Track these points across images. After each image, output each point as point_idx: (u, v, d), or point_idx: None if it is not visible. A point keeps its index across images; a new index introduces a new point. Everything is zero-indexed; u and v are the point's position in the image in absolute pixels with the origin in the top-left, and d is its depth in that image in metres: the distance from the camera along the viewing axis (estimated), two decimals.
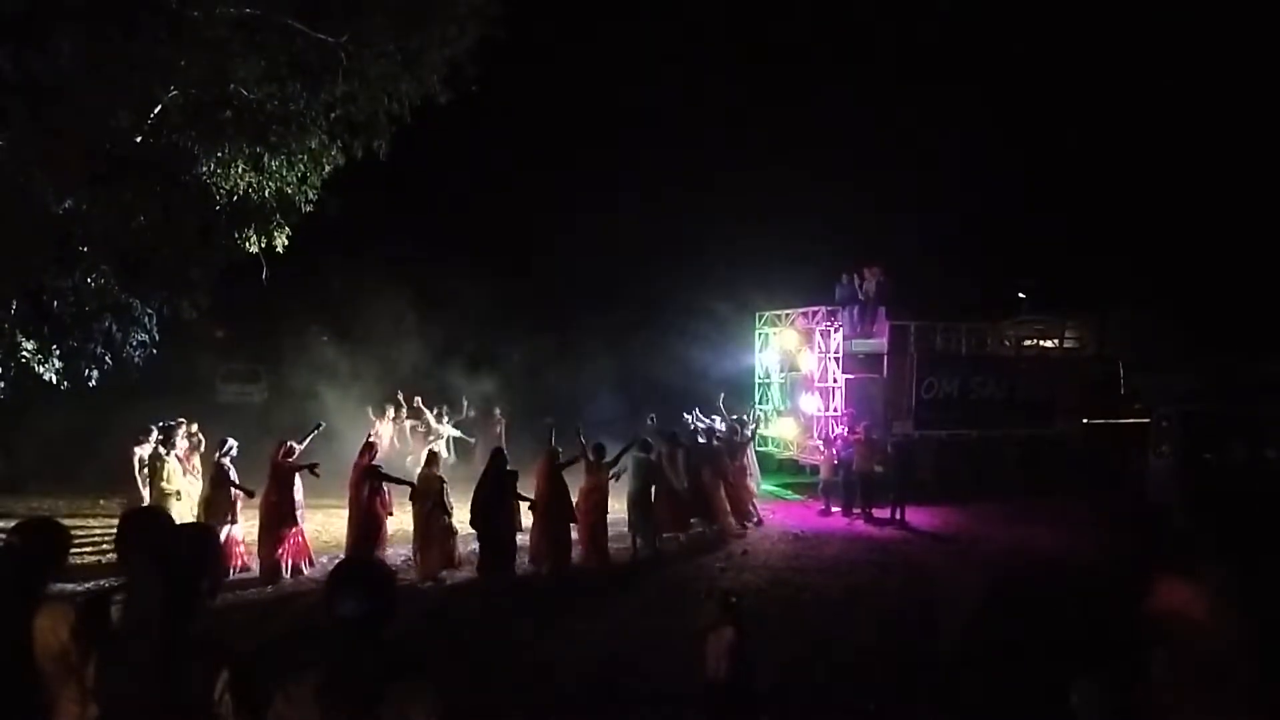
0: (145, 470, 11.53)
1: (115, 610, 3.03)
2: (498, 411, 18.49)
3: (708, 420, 15.55)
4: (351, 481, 11.28)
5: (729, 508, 14.22)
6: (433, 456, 11.87)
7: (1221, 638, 2.86)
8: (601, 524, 12.06)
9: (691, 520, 13.81)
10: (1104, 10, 33.06)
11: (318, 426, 12.00)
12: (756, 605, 8.99)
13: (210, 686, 2.76)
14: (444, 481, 11.48)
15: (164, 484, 11.20)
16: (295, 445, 11.21)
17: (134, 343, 12.21)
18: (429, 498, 11.19)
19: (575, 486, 12.01)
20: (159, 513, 3.61)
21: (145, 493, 11.52)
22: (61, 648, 3.04)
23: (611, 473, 12.21)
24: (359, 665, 2.57)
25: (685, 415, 15.73)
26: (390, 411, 16.55)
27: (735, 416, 16.10)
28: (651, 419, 15.46)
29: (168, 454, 11.30)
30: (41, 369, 11.41)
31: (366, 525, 11.14)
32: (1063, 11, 33.97)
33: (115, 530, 3.36)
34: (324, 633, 2.65)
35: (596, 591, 10.71)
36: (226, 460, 11.17)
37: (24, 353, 11.23)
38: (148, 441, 11.70)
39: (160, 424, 11.83)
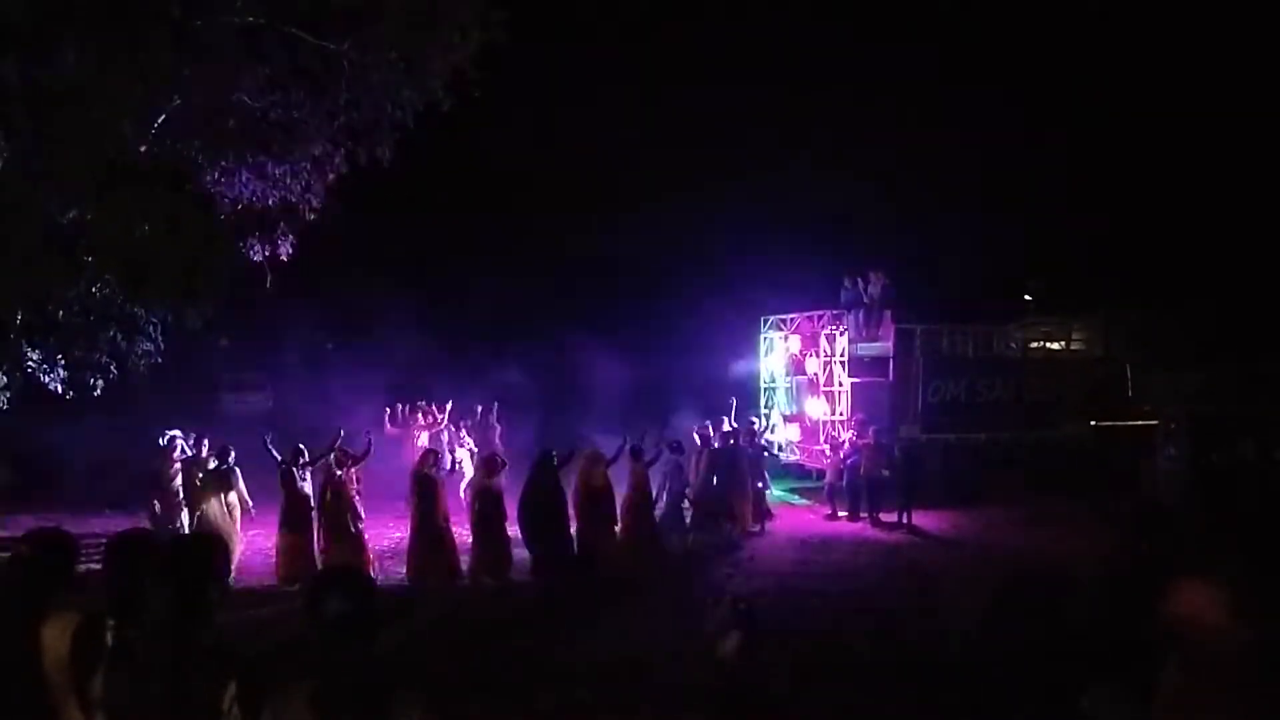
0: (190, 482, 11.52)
1: (111, 631, 3.03)
2: (493, 415, 18.04)
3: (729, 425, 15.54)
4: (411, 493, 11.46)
5: (750, 510, 14.42)
6: (490, 463, 11.75)
7: (1234, 641, 2.83)
8: (648, 523, 12.37)
9: (719, 522, 13.89)
10: (1110, 11, 33.04)
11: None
12: (764, 610, 8.95)
13: (218, 696, 2.74)
14: (500, 490, 11.50)
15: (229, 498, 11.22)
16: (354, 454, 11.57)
17: (139, 352, 12.23)
18: (486, 504, 11.26)
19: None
20: (149, 532, 3.63)
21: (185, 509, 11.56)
22: (66, 658, 3.05)
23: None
24: (351, 672, 2.54)
25: (707, 420, 15.66)
26: (423, 418, 16.47)
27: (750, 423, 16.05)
28: (649, 429, 15.36)
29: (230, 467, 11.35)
30: (47, 378, 11.45)
31: (431, 534, 11.21)
32: (1069, 13, 33.94)
33: (105, 552, 3.35)
34: (312, 642, 2.62)
35: (603, 597, 10.68)
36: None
37: (30, 362, 11.25)
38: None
39: (178, 435, 11.88)
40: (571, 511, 11.74)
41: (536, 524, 11.12)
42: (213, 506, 11.12)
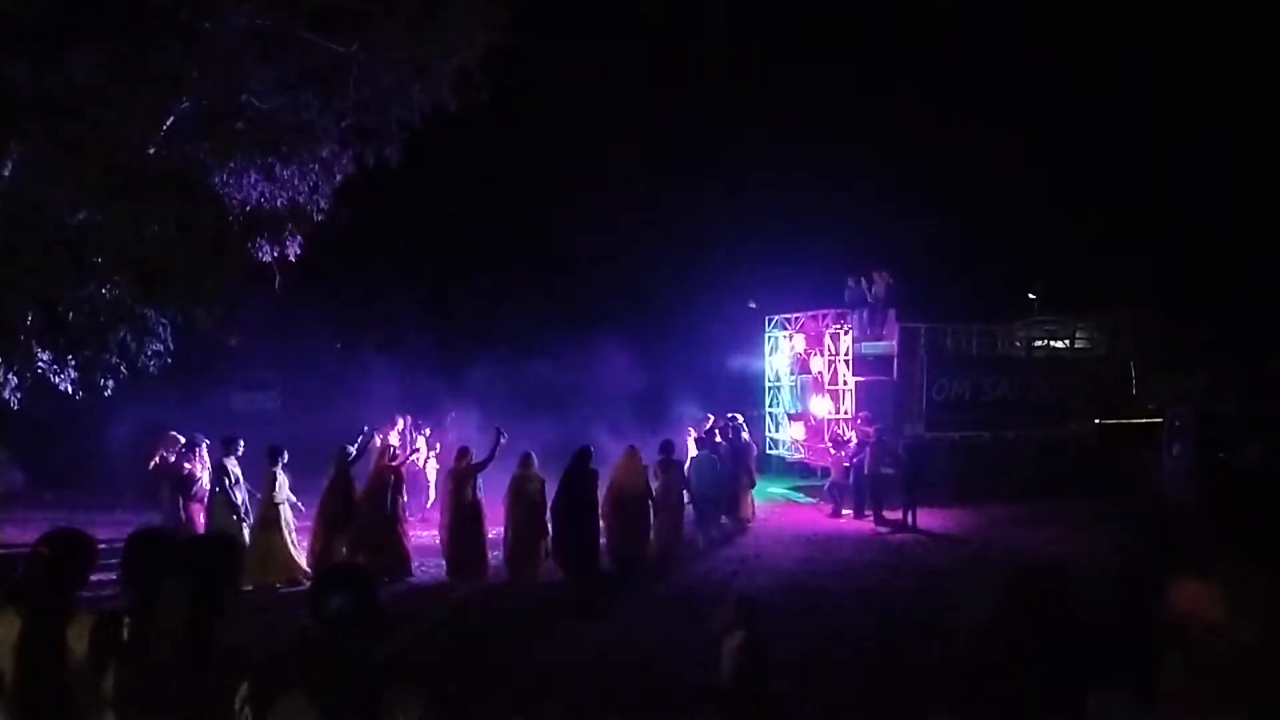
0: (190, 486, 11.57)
1: (126, 629, 3.06)
2: (451, 415, 17.91)
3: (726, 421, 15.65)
4: (448, 489, 11.70)
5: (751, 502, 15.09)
6: (528, 458, 11.67)
7: (1235, 639, 2.85)
8: (679, 517, 12.74)
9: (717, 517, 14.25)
10: (1115, 8, 32.99)
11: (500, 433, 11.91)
12: (769, 608, 9.00)
13: (230, 697, 2.78)
14: (543, 481, 11.57)
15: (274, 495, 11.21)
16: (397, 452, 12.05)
17: (149, 352, 12.26)
18: (524, 498, 11.34)
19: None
20: (166, 531, 3.66)
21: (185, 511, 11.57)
22: (84, 658, 3.08)
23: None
24: (352, 670, 2.59)
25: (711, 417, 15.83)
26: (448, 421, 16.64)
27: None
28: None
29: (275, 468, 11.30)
30: (58, 379, 11.49)
31: (466, 530, 11.36)
32: (1072, 10, 33.89)
33: (123, 552, 3.35)
34: (314, 640, 2.67)
35: (608, 594, 10.73)
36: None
37: (40, 363, 11.31)
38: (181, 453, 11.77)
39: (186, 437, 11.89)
40: (605, 509, 11.85)
41: (569, 520, 11.27)
42: (267, 510, 11.22)
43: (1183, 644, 2.98)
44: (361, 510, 11.31)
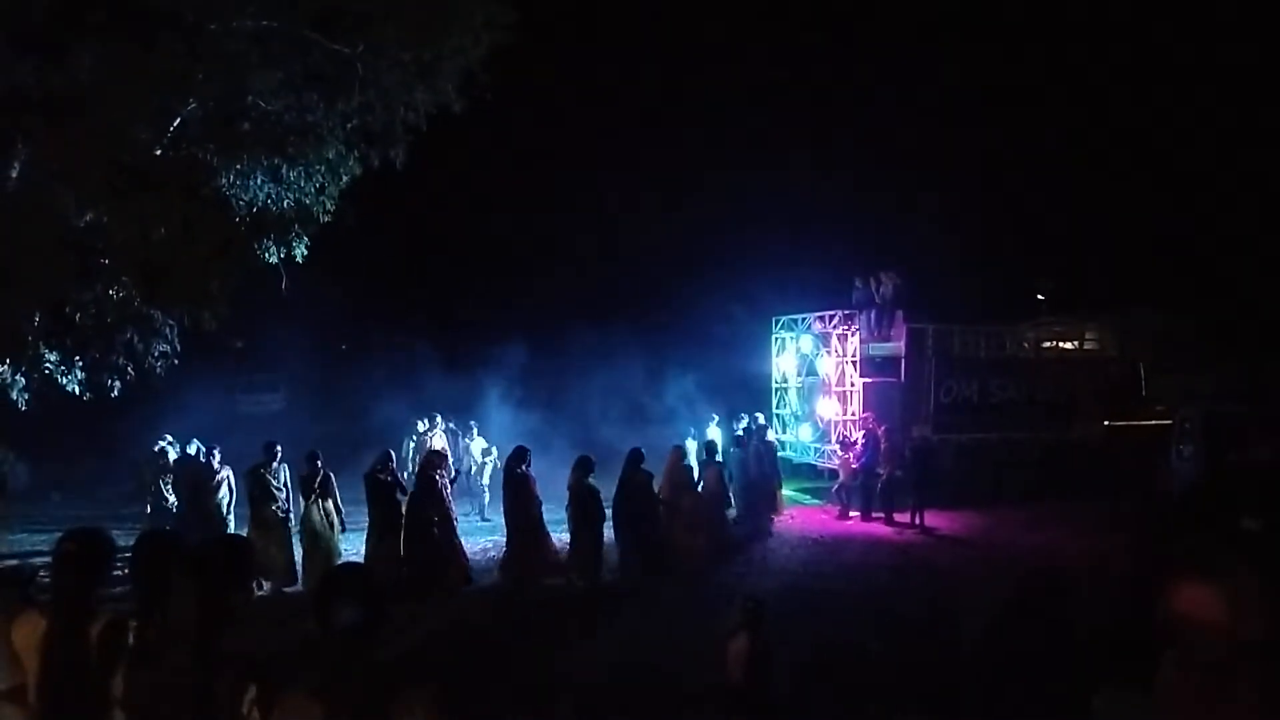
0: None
1: (133, 631, 3.05)
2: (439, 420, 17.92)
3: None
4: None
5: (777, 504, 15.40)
6: (585, 462, 11.65)
7: (1235, 639, 2.82)
8: (721, 515, 13.07)
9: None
10: (1123, 8, 32.90)
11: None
12: (775, 610, 8.97)
13: (238, 700, 2.77)
14: (596, 488, 11.55)
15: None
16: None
17: (155, 354, 12.28)
18: (583, 503, 11.41)
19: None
20: (175, 534, 3.62)
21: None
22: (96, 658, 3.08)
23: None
24: (359, 675, 2.57)
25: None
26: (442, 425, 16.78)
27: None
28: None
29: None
30: (64, 380, 11.52)
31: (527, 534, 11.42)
32: (1080, 10, 33.81)
33: (131, 553, 3.31)
34: (319, 643, 2.65)
35: (615, 595, 10.72)
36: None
37: (47, 364, 11.33)
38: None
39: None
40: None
41: (629, 520, 11.55)
42: (313, 514, 11.23)
43: (1182, 644, 2.94)
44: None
